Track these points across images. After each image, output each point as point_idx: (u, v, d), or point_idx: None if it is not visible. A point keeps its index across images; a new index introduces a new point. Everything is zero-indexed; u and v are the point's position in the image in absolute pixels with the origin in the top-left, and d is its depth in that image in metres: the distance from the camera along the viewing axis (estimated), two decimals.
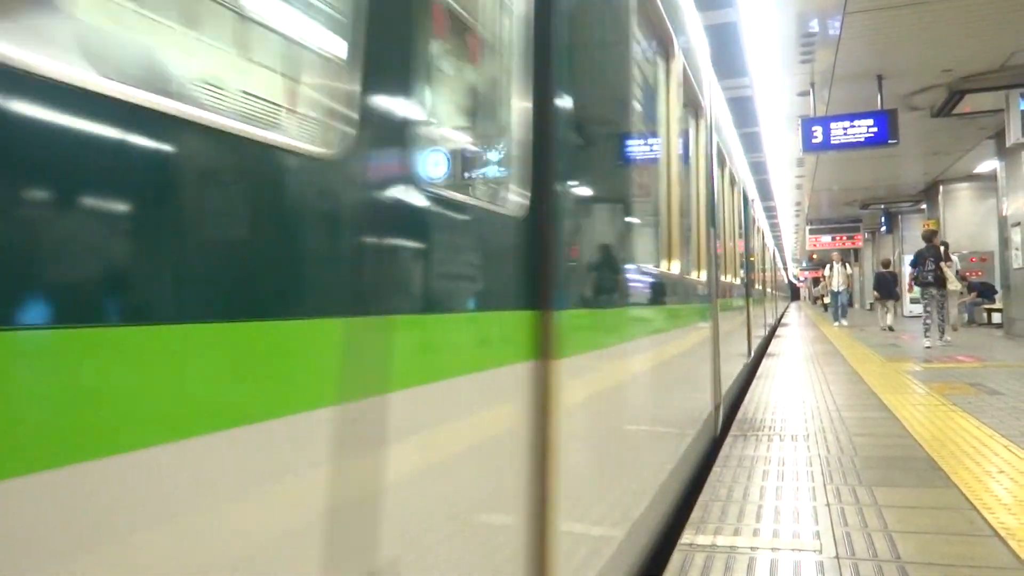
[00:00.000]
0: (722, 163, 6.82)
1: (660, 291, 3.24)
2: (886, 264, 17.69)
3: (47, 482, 0.62)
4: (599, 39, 2.31)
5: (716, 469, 3.94)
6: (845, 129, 10.93)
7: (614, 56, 2.53)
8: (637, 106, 3.18)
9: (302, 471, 0.91)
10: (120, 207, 0.70)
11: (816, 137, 11.13)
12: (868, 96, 10.77)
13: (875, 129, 10.76)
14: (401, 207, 1.15)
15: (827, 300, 38.95)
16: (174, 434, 0.72)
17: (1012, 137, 10.39)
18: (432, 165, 1.94)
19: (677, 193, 3.90)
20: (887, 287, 16.61)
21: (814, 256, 46.59)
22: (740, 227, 9.17)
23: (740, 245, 9.44)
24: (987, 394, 6.16)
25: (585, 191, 2.10)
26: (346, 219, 1.01)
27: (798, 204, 25.38)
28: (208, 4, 1.43)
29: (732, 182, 7.88)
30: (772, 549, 2.72)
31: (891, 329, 15.88)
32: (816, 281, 51.63)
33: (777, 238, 37.74)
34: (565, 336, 1.83)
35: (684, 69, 4.13)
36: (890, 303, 16.62)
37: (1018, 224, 12.62)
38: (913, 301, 19.50)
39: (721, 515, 3.13)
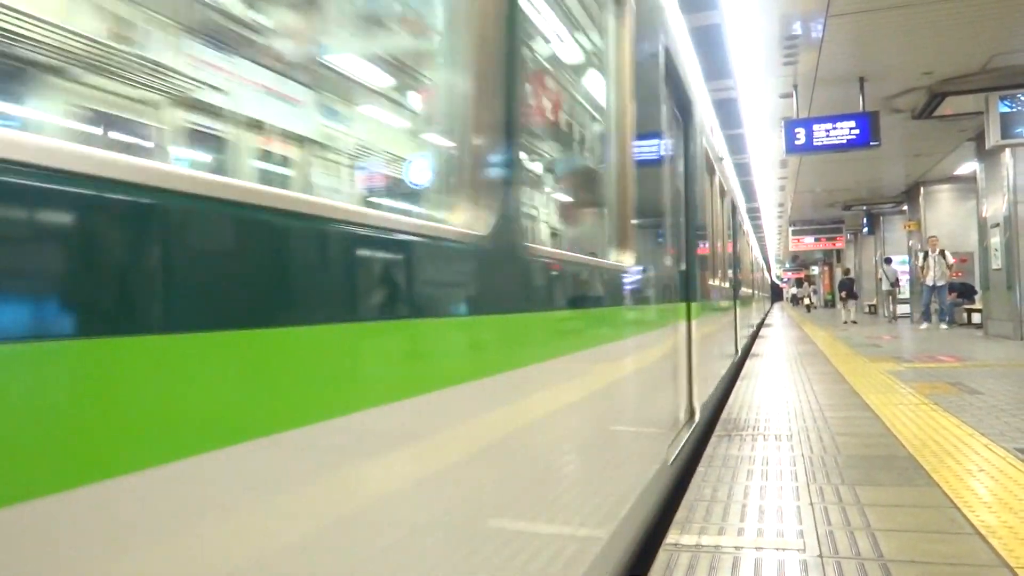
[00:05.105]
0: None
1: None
2: (846, 271, 24.10)
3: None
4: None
5: (701, 469, 3.96)
6: (828, 131, 11.01)
7: None
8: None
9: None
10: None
11: (799, 139, 11.20)
12: (850, 98, 10.86)
13: (857, 131, 10.85)
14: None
15: (808, 302, 39.47)
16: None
17: (992, 139, 10.50)
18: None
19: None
20: (850, 289, 21.88)
21: (798, 257, 47.00)
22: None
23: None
24: (967, 393, 6.23)
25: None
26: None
27: (781, 205, 25.55)
28: None
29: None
30: (756, 548, 2.73)
31: (854, 322, 20.40)
32: (800, 282, 52.13)
33: (760, 239, 37.95)
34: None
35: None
36: (851, 302, 21.66)
37: (997, 225, 12.77)
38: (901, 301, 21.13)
39: (706, 515, 3.14)
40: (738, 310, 10.22)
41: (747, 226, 17.80)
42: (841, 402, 6.07)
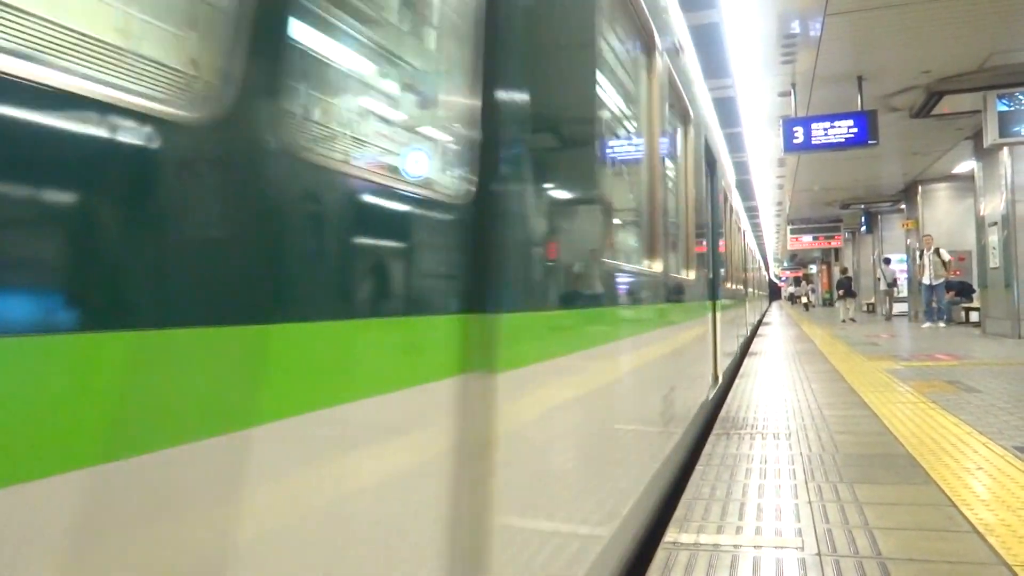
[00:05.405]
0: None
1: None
2: (844, 271, 24.06)
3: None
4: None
5: (699, 468, 3.96)
6: (826, 130, 11.03)
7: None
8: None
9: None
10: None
11: (797, 137, 11.22)
12: (848, 97, 10.88)
13: (855, 130, 10.87)
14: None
15: (805, 300, 39.59)
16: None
17: (989, 138, 10.52)
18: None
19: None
20: (848, 287, 22.00)
21: (796, 256, 47.05)
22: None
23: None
24: (965, 392, 6.23)
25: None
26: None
27: (779, 204, 25.58)
28: None
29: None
30: (755, 547, 2.73)
31: (853, 320, 20.66)
32: (798, 281, 52.28)
33: (759, 238, 37.95)
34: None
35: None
36: (850, 300, 21.85)
37: (995, 224, 12.79)
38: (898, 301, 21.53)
39: (704, 513, 3.14)
40: (720, 315, 7.15)
41: (738, 203, 13.63)
42: (839, 400, 6.08)
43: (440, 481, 1.31)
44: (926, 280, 16.01)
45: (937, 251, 15.98)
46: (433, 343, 1.32)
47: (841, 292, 22.33)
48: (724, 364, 7.13)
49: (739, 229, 13.10)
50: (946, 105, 11.18)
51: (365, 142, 1.48)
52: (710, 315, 6.17)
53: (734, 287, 10.30)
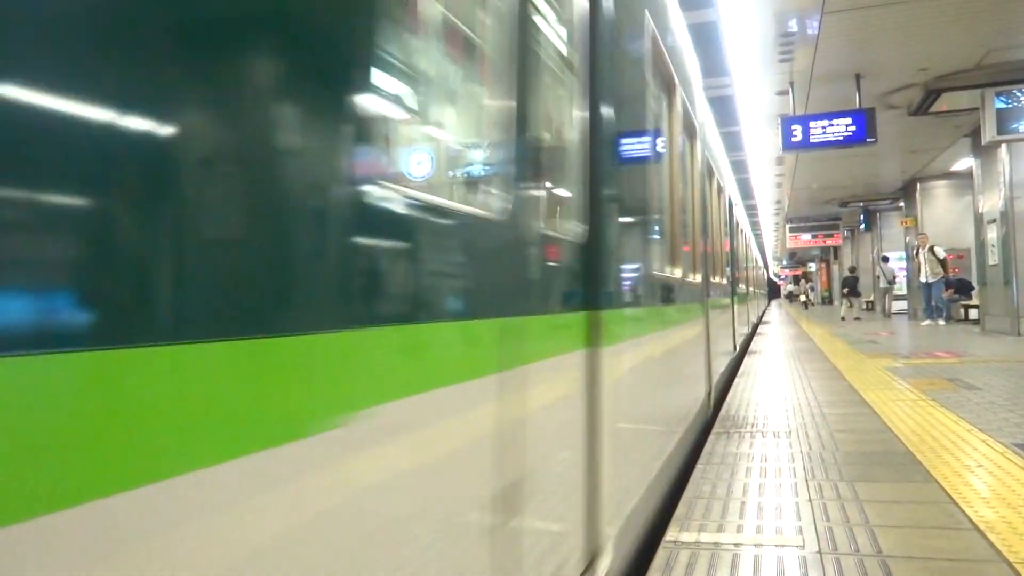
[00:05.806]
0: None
1: None
2: (852, 269, 23.19)
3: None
4: None
5: (699, 466, 3.96)
6: (824, 128, 11.03)
7: None
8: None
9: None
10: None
11: (795, 136, 11.22)
12: (846, 95, 10.88)
13: (853, 128, 10.87)
14: None
15: (804, 299, 39.57)
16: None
17: (987, 135, 10.53)
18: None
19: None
20: (853, 287, 21.45)
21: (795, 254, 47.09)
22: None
23: None
24: (965, 389, 6.24)
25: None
26: None
27: (778, 202, 25.59)
28: None
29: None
30: (755, 545, 2.73)
31: (857, 319, 20.27)
32: (797, 279, 52.34)
33: (757, 236, 37.96)
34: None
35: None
36: (854, 299, 21.37)
37: (993, 221, 12.79)
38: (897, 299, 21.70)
39: (705, 512, 3.14)
40: (614, 364, 2.48)
41: (715, 137, 8.84)
42: (839, 399, 6.08)
43: None
44: (923, 278, 16.23)
45: (932, 249, 16.15)
46: None
47: (846, 291, 21.64)
48: (626, 508, 2.68)
49: (720, 186, 8.72)
50: (944, 103, 11.19)
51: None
52: (581, 362, 2.21)
53: (696, 279, 5.44)
